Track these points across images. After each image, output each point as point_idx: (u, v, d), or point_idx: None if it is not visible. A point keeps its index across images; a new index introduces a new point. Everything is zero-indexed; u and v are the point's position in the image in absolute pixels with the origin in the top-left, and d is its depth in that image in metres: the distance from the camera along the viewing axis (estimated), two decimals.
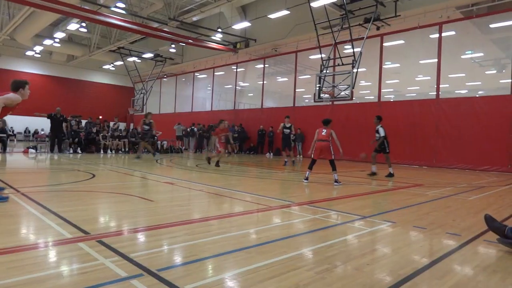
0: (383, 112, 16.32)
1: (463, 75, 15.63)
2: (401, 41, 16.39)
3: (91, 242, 3.12)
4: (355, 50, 14.10)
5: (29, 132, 27.03)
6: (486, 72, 15.25)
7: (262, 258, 2.87)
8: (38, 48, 24.31)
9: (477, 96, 14.84)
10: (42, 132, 25.96)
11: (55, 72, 28.36)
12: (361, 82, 16.56)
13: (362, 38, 14.24)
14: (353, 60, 13.95)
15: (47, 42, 22.72)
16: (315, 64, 17.74)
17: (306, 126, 18.84)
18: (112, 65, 28.29)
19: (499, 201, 6.38)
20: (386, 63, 16.85)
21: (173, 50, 23.58)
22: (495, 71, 14.94)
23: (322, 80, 14.89)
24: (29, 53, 25.53)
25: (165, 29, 18.97)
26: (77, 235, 3.33)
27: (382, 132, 9.95)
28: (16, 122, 25.11)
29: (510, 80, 13.40)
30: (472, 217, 4.80)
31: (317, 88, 15.00)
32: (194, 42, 20.17)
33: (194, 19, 19.40)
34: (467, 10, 14.06)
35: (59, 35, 21.80)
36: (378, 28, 15.40)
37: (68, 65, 28.51)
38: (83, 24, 19.57)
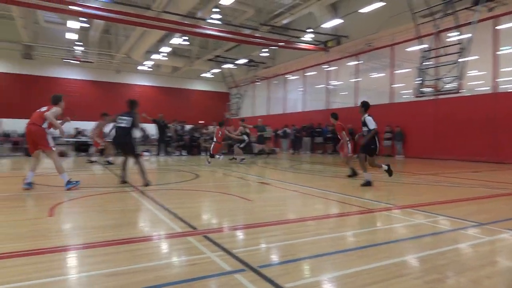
0: (500, 104, 14.29)
1: None
2: None
3: (198, 236, 3.40)
4: (462, 37, 12.62)
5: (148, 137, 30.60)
6: None
7: (362, 262, 2.77)
8: (149, 63, 27.40)
9: None
10: (153, 137, 29.15)
11: (162, 83, 31.59)
12: (470, 72, 14.73)
13: (470, 23, 12.66)
14: (460, 49, 12.51)
15: (156, 56, 25.48)
16: (413, 57, 16.40)
17: (405, 123, 17.53)
18: (209, 73, 30.35)
19: None
20: (502, 48, 14.67)
21: (265, 55, 24.28)
22: None
23: (423, 73, 13.69)
24: (141, 67, 28.94)
25: (256, 35, 19.64)
26: (186, 229, 3.67)
27: (371, 124, 7.37)
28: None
29: None
30: None
31: (418, 82, 13.84)
32: (284, 45, 20.44)
33: (284, 22, 19.66)
34: None
35: (165, 49, 24.25)
36: (490, 10, 13.51)
37: (173, 75, 31.49)
38: (186, 38, 21.42)
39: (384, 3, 15.57)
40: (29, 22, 20.74)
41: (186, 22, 17.56)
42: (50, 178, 7.58)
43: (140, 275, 2.45)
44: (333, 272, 2.62)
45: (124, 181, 6.86)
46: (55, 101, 6.35)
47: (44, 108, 6.24)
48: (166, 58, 26.38)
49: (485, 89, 15.34)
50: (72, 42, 23.61)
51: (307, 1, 16.89)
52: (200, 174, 9.21)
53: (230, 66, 26.28)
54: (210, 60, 25.61)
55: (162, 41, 23.82)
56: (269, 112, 29.62)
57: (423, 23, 14.50)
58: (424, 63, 13.81)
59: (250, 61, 24.95)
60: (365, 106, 7.75)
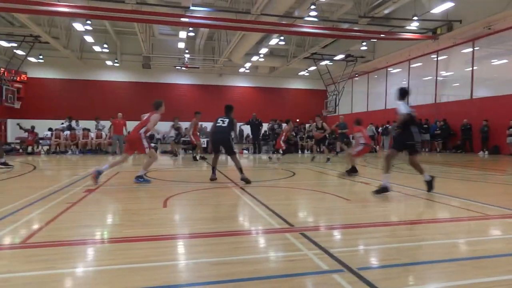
0: None
1: None
2: None
3: (295, 234, 3.44)
4: None
5: (243, 136, 32.12)
6: None
7: (480, 274, 2.46)
8: (248, 65, 28.62)
9: None
10: (250, 137, 30.35)
11: (260, 83, 32.66)
12: None
13: None
14: None
15: (254, 58, 26.46)
16: None
17: None
18: (306, 71, 30.27)
19: None
20: None
21: (364, 48, 23.17)
22: None
23: None
24: (241, 70, 30.39)
25: (355, 28, 18.86)
26: (283, 226, 3.74)
27: (403, 109, 5.57)
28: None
29: None
30: None
31: None
32: (386, 36, 19.18)
33: (386, 11, 18.45)
34: None
35: (263, 50, 25.01)
36: None
37: (270, 76, 32.31)
38: (282, 38, 21.76)
39: None
40: (147, 36, 23.59)
41: (283, 22, 17.82)
42: (165, 173, 8.51)
43: (240, 267, 2.60)
44: (443, 282, 2.38)
45: (214, 178, 7.27)
46: (156, 107, 7.14)
47: (146, 116, 7.06)
48: (263, 59, 27.17)
49: None
50: (181, 51, 26.08)
51: None
52: (296, 172, 9.27)
53: (327, 62, 25.77)
54: (306, 58, 25.54)
55: (260, 42, 24.63)
56: (368, 108, 28.23)
57: None
58: None
59: (348, 56, 24.06)
60: (401, 92, 5.90)
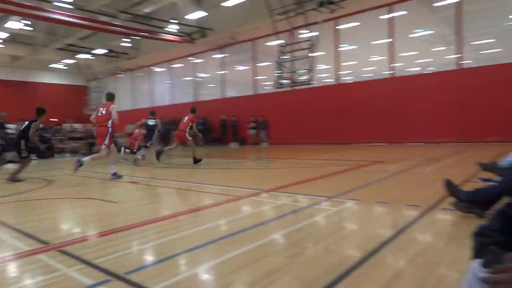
0: (342, 94, 16.78)
1: (415, 53, 16.36)
2: (357, 23, 16.75)
3: (51, 252, 2.95)
4: (312, 34, 14.26)
5: None
6: (435, 49, 16.05)
7: (233, 248, 2.86)
8: None
9: (427, 72, 15.58)
10: None
11: None
12: (319, 65, 16.80)
13: (317, 23, 14.41)
14: (310, 45, 14.12)
15: None
16: (273, 51, 17.79)
17: (268, 113, 18.96)
18: (61, 63, 26.78)
19: (452, 170, 6.78)
20: (342, 45, 17.20)
21: (126, 45, 22.69)
22: (443, 48, 15.74)
23: (280, 67, 14.98)
24: None
25: (115, 23, 18.15)
26: (34, 247, 3.14)
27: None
28: None
29: (455, 56, 14.14)
30: (429, 188, 5.05)
31: (276, 74, 15.08)
32: (147, 35, 19.49)
33: (146, 10, 18.70)
34: None
35: (2, 35, 20.26)
36: (332, 11, 15.61)
37: (12, 66, 26.65)
38: (28, 22, 18.23)
39: None
40: None
41: (26, 3, 14.97)
42: None
43: None
44: (206, 263, 2.62)
45: None
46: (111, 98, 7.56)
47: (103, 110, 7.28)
48: (2, 46, 22.12)
49: (331, 80, 17.78)
50: None
51: None
52: (54, 179, 8.07)
53: (87, 56, 23.68)
54: (60, 49, 22.56)
55: None
56: (134, 106, 28.01)
57: (280, 20, 15.80)
58: (281, 57, 15.11)
59: (110, 51, 22.96)
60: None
